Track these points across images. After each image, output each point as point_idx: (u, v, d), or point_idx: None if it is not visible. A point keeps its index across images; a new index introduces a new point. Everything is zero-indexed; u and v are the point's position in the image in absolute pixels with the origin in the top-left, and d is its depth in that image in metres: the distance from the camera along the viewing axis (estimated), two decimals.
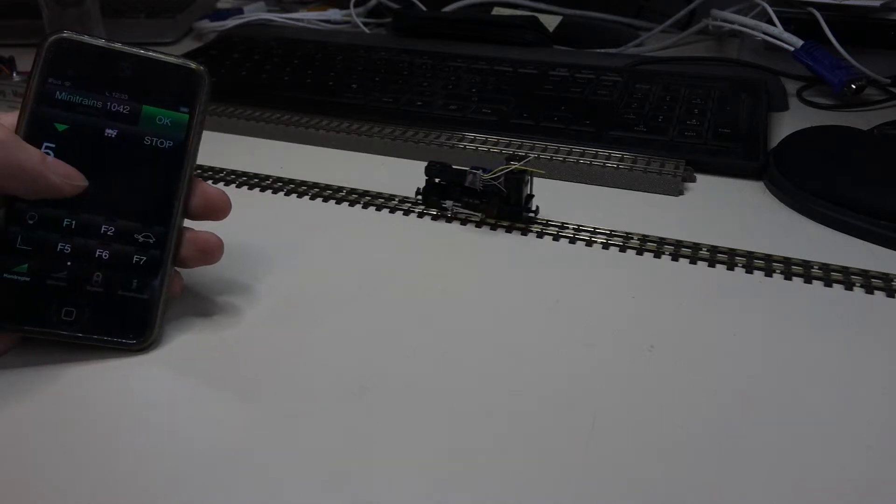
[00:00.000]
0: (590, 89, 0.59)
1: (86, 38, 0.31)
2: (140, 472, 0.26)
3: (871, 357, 0.31)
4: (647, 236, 0.40)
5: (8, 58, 0.60)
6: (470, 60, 0.65)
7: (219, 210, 0.33)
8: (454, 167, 0.41)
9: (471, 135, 0.52)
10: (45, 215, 0.30)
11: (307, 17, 0.85)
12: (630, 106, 0.55)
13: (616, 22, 0.83)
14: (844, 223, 0.41)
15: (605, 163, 0.47)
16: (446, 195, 0.42)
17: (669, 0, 0.81)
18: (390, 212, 0.44)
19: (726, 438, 0.27)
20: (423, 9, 0.84)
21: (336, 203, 0.45)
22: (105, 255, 0.31)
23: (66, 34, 0.31)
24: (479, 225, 0.42)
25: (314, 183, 0.47)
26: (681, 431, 0.27)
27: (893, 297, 0.35)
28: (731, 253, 0.39)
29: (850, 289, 0.36)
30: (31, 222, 0.30)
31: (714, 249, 0.39)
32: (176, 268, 0.33)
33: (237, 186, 0.47)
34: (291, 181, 0.47)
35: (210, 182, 0.46)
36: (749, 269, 0.38)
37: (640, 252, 0.39)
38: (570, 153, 0.49)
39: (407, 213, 0.43)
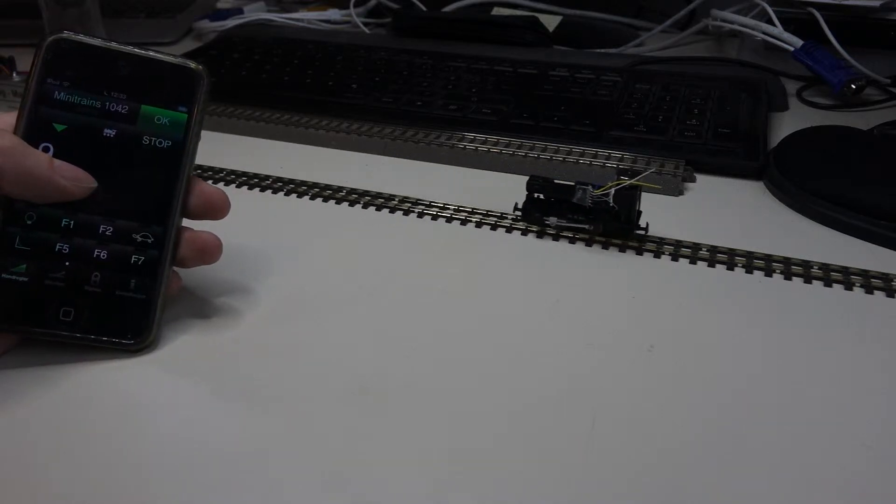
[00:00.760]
0: (590, 89, 0.59)
1: (84, 38, 0.31)
2: (139, 472, 0.26)
3: (871, 357, 0.31)
4: (648, 236, 0.40)
5: (8, 58, 0.60)
6: (470, 60, 0.65)
7: (218, 209, 0.33)
8: (556, 182, 0.39)
9: (471, 135, 0.52)
10: (44, 215, 0.30)
11: (307, 17, 0.85)
12: (630, 106, 0.55)
13: (616, 22, 0.83)
14: (844, 223, 0.41)
15: (605, 163, 0.47)
16: (549, 211, 0.40)
17: (669, 0, 0.81)
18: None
19: (726, 438, 0.27)
20: (423, 9, 0.84)
21: (336, 203, 0.45)
22: (103, 255, 0.31)
23: (64, 34, 0.31)
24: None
25: (314, 183, 0.47)
26: (681, 431, 0.27)
27: (893, 297, 0.35)
28: (731, 253, 0.39)
29: (850, 289, 0.36)
30: (29, 223, 0.30)
31: (714, 249, 0.39)
32: (174, 268, 0.33)
33: (237, 186, 0.47)
34: (291, 181, 0.47)
35: (210, 182, 0.46)
36: (749, 269, 0.38)
37: (639, 252, 0.39)
38: (569, 153, 0.49)
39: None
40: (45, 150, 0.30)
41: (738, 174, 0.48)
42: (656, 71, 0.63)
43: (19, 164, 0.28)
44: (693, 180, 0.48)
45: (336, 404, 0.29)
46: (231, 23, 0.80)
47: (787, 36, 0.63)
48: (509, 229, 0.41)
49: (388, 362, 0.31)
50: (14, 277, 0.30)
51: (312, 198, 0.45)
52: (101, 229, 0.31)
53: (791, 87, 0.63)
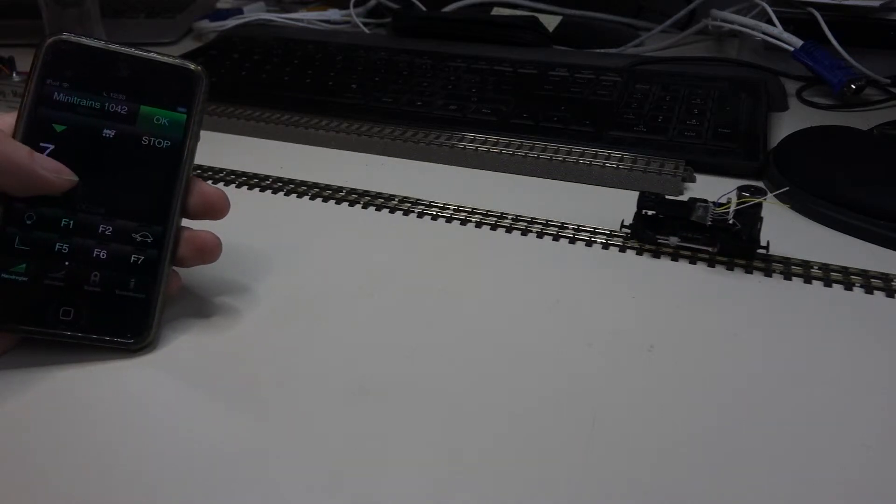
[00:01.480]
0: (589, 89, 0.59)
1: (84, 40, 0.31)
2: (139, 473, 0.26)
3: (871, 357, 0.31)
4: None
5: (8, 58, 0.60)
6: (470, 60, 0.65)
7: (217, 209, 0.33)
8: (669, 198, 0.38)
9: (470, 135, 0.52)
10: (44, 215, 0.30)
11: (307, 17, 0.85)
12: (630, 106, 0.55)
13: (616, 22, 0.83)
14: (844, 223, 0.41)
15: (604, 163, 0.47)
16: (663, 229, 0.38)
17: (669, 0, 0.81)
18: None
19: (726, 438, 0.27)
20: (423, 9, 0.84)
21: (336, 203, 0.45)
22: (103, 254, 0.31)
23: (64, 36, 0.31)
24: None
25: (314, 183, 0.47)
26: (681, 431, 0.27)
27: (893, 297, 0.35)
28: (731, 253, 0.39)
29: (850, 289, 0.36)
30: (28, 222, 0.30)
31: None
32: (174, 267, 0.33)
33: (237, 186, 0.47)
34: (291, 181, 0.47)
35: (210, 182, 0.46)
36: (749, 270, 0.38)
37: (640, 252, 0.39)
38: (569, 153, 0.49)
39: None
40: (45, 150, 0.30)
41: (738, 174, 0.48)
42: (656, 71, 0.63)
43: (2, 155, 0.28)
44: (693, 180, 0.48)
45: (336, 404, 0.29)
46: (231, 23, 0.80)
47: (786, 36, 0.63)
48: (509, 229, 0.41)
49: (388, 362, 0.31)
50: (14, 277, 0.30)
51: (312, 198, 0.45)
52: (101, 229, 0.31)
53: (791, 87, 0.63)
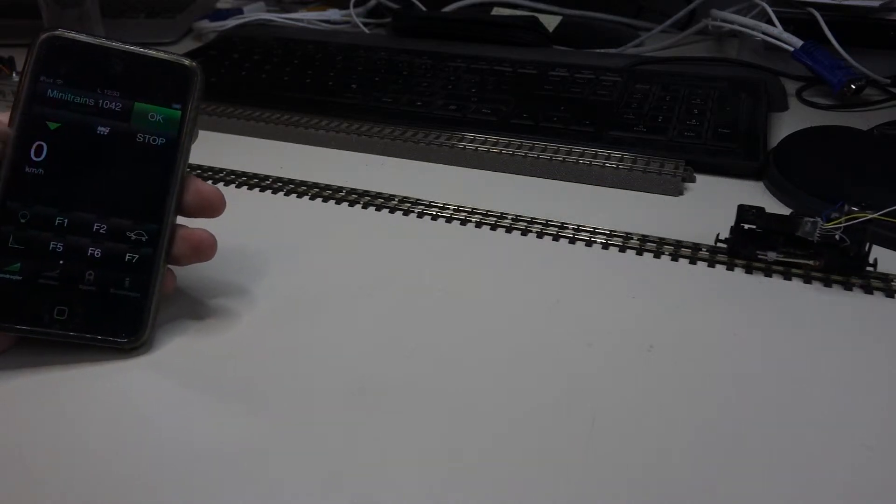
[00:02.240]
0: (589, 89, 0.59)
1: (77, 36, 0.31)
2: (135, 473, 0.25)
3: (871, 357, 0.31)
4: (647, 236, 0.40)
5: (8, 58, 0.60)
6: (470, 60, 0.65)
7: (213, 207, 0.33)
8: (769, 212, 0.37)
9: (470, 135, 0.52)
10: (37, 214, 0.30)
11: (307, 17, 0.85)
12: (630, 106, 0.55)
13: (616, 22, 0.82)
14: None
15: (604, 163, 0.47)
16: (763, 243, 0.37)
17: (669, 0, 0.81)
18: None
19: (726, 438, 0.27)
20: (423, 9, 0.84)
21: (336, 203, 0.45)
22: (97, 253, 0.31)
23: (57, 32, 0.31)
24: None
25: (314, 183, 0.47)
26: (681, 431, 0.27)
27: (893, 297, 0.35)
28: (731, 253, 0.39)
29: (850, 289, 0.36)
30: (22, 221, 0.30)
31: (714, 249, 0.39)
32: (169, 266, 0.32)
33: (236, 186, 0.47)
34: (291, 181, 0.47)
35: (209, 181, 0.46)
36: (749, 270, 0.38)
37: (639, 252, 0.39)
38: (569, 153, 0.49)
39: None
40: (39, 148, 0.30)
41: (737, 174, 0.48)
42: (656, 71, 0.63)
43: None
44: (693, 180, 0.48)
45: (336, 404, 0.29)
46: (231, 23, 0.80)
47: (786, 36, 0.63)
48: (509, 229, 0.41)
49: (388, 362, 0.31)
50: (8, 276, 0.30)
51: (312, 198, 0.45)
52: (95, 227, 0.31)
53: (791, 87, 0.63)
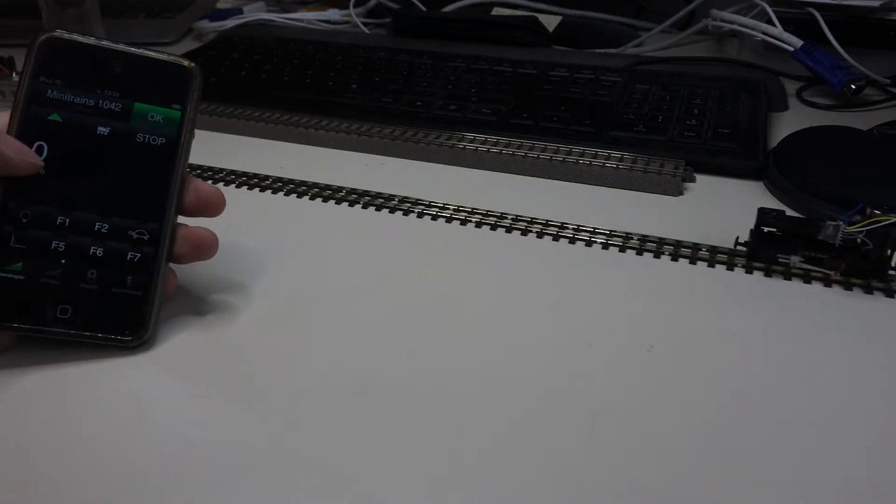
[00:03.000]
0: (589, 89, 0.59)
1: (76, 37, 0.31)
2: (137, 471, 0.26)
3: (871, 357, 0.31)
4: (647, 236, 0.40)
5: (7, 58, 0.60)
6: (470, 60, 0.65)
7: (213, 206, 0.33)
8: (789, 216, 0.36)
9: (470, 135, 0.52)
10: (39, 213, 0.30)
11: (307, 17, 0.85)
12: (630, 106, 0.55)
13: (616, 22, 0.82)
14: None
15: (604, 163, 0.47)
16: (783, 247, 0.37)
17: (669, 0, 0.81)
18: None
19: (726, 438, 0.27)
20: (423, 9, 0.84)
21: (336, 203, 0.45)
22: (99, 252, 0.31)
23: (56, 33, 0.31)
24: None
25: (314, 183, 0.47)
26: (681, 431, 0.27)
27: (893, 297, 0.35)
28: (731, 253, 0.39)
29: (850, 289, 0.36)
30: (24, 221, 0.30)
31: (714, 249, 0.39)
32: (171, 265, 0.33)
33: (237, 186, 0.47)
34: (291, 181, 0.47)
35: (209, 182, 0.46)
36: (749, 270, 0.38)
37: (640, 252, 0.39)
38: (569, 153, 0.49)
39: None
40: (39, 148, 0.30)
41: (737, 174, 0.48)
42: (656, 71, 0.63)
43: None
44: (693, 180, 0.48)
45: (336, 404, 0.29)
46: (231, 23, 0.80)
47: (786, 36, 0.63)
48: (509, 229, 0.41)
49: (388, 362, 0.31)
50: (10, 276, 0.30)
51: (312, 198, 0.45)
52: (97, 227, 0.31)
53: (791, 87, 0.63)
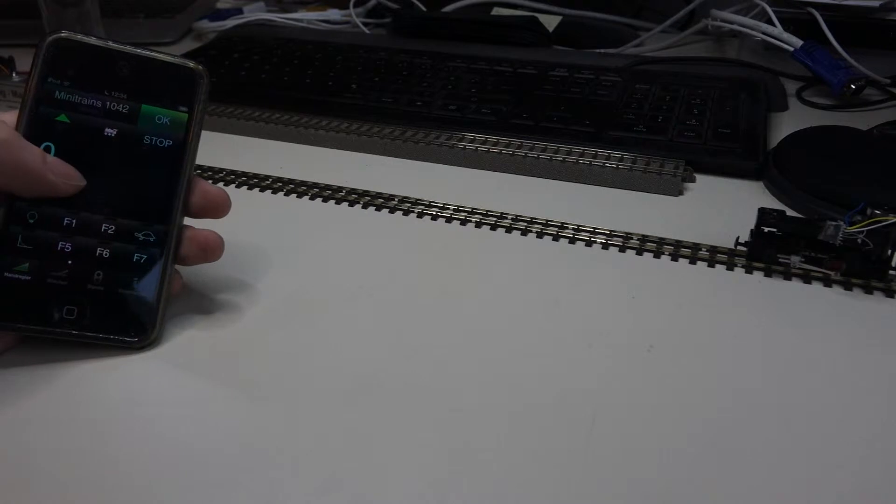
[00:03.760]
0: (589, 89, 0.59)
1: (84, 38, 0.31)
2: (139, 471, 0.26)
3: (870, 357, 0.31)
4: (647, 236, 0.40)
5: (8, 58, 0.60)
6: (469, 60, 0.65)
7: (219, 208, 0.33)
8: (790, 216, 0.36)
9: (470, 135, 0.52)
10: (46, 214, 0.30)
11: (307, 17, 0.85)
12: (629, 106, 0.55)
13: (616, 22, 0.83)
14: None
15: (604, 163, 0.47)
16: (784, 247, 0.37)
17: (669, 0, 0.81)
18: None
19: (726, 438, 0.27)
20: (423, 9, 0.84)
21: (336, 203, 0.45)
22: (105, 253, 0.31)
23: (64, 34, 0.31)
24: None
25: (314, 183, 0.47)
26: (680, 431, 0.27)
27: (892, 297, 0.36)
28: (731, 253, 0.39)
29: (850, 289, 0.36)
30: (31, 221, 0.30)
31: (714, 249, 0.39)
32: (176, 266, 0.33)
33: (237, 186, 0.47)
34: (291, 181, 0.47)
35: (210, 182, 0.46)
36: (749, 270, 0.38)
37: (639, 252, 0.39)
38: (569, 153, 0.49)
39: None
40: (47, 149, 0.30)
41: (737, 174, 0.48)
42: (656, 71, 0.63)
43: (13, 156, 0.29)
44: (693, 180, 0.48)
45: (336, 404, 0.29)
46: (231, 23, 0.80)
47: (786, 36, 0.63)
48: (509, 229, 0.41)
49: (388, 362, 0.31)
50: (17, 276, 0.30)
51: (312, 198, 0.45)
52: (104, 228, 0.31)
53: (791, 87, 0.63)
